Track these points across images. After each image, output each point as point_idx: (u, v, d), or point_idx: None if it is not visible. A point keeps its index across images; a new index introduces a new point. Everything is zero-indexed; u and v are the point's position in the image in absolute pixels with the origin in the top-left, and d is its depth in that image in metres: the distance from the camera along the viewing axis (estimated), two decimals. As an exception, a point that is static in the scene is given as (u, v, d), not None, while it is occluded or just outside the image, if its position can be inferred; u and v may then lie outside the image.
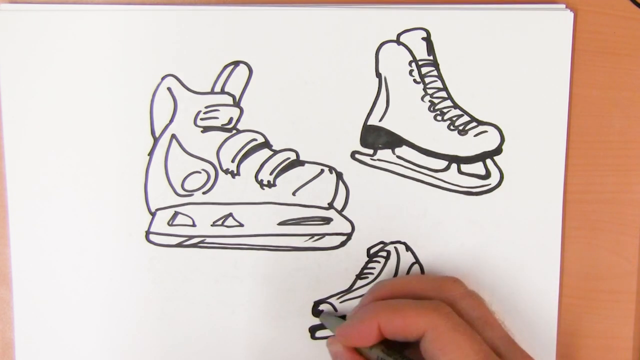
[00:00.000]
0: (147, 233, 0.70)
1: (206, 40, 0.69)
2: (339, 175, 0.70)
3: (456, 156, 0.70)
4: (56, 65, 0.69)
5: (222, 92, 0.69)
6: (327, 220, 0.70)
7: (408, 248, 0.70)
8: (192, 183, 0.70)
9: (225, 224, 0.70)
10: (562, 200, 0.70)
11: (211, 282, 0.71)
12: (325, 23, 0.69)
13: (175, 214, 0.70)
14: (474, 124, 0.69)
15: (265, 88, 0.69)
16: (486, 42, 0.69)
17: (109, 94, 0.69)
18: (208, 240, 0.70)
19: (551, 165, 0.70)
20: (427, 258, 0.71)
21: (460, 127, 0.69)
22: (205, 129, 0.69)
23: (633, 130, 0.71)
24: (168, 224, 0.70)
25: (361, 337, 0.62)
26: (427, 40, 0.69)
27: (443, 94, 0.69)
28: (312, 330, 0.71)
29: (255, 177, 0.69)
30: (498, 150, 0.70)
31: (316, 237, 0.70)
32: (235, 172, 0.69)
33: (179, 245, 0.70)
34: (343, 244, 0.70)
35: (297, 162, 0.69)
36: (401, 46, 0.69)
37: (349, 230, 0.70)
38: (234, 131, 0.69)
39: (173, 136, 0.69)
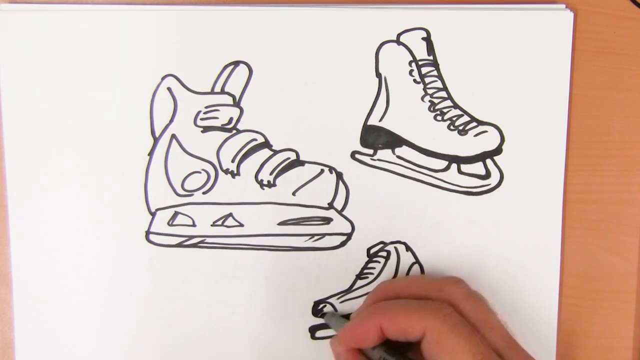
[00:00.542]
0: (147, 233, 0.70)
1: (206, 40, 0.69)
2: (339, 175, 0.70)
3: (456, 156, 0.70)
4: (56, 65, 0.69)
5: (222, 92, 0.69)
6: (327, 220, 0.70)
7: (408, 248, 0.70)
8: (192, 183, 0.70)
9: (225, 224, 0.70)
10: (562, 200, 0.70)
11: (211, 282, 0.71)
12: (325, 23, 0.69)
13: (175, 214, 0.70)
14: (474, 124, 0.69)
15: (265, 88, 0.69)
16: (486, 42, 0.69)
17: (109, 94, 0.69)
18: (208, 240, 0.70)
19: (551, 165, 0.70)
20: (427, 258, 0.71)
21: (460, 127, 0.69)
22: (205, 129, 0.69)
23: (633, 130, 0.71)
24: (168, 224, 0.70)
25: (363, 338, 0.62)
26: (427, 40, 0.69)
27: (443, 94, 0.69)
28: (312, 330, 0.71)
29: (255, 177, 0.70)
30: (498, 150, 0.70)
31: (316, 237, 0.70)
32: (235, 172, 0.69)
33: (179, 245, 0.70)
34: (343, 244, 0.70)
35: (297, 162, 0.69)
36: (401, 46, 0.69)
37: (349, 230, 0.70)
38: (234, 131, 0.69)
39: (173, 136, 0.69)
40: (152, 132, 0.69)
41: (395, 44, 0.69)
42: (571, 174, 0.71)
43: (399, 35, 0.69)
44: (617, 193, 0.72)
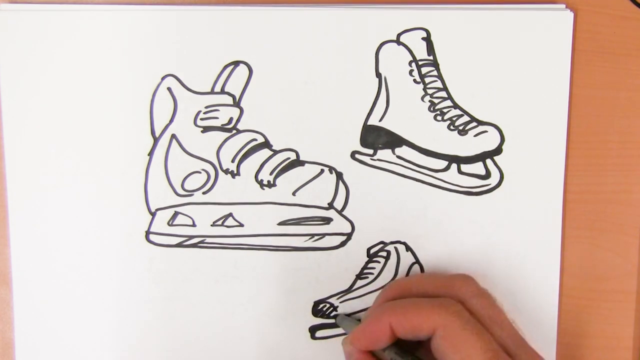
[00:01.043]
0: (147, 233, 0.70)
1: (206, 40, 0.69)
2: (339, 175, 0.70)
3: (456, 156, 0.70)
4: (56, 65, 0.69)
5: (222, 92, 0.69)
6: (327, 220, 0.70)
7: (408, 248, 0.70)
8: (192, 183, 0.70)
9: (225, 224, 0.70)
10: (562, 200, 0.70)
11: (211, 282, 0.71)
12: (325, 23, 0.69)
13: (175, 214, 0.70)
14: (474, 124, 0.69)
15: (265, 88, 0.69)
16: (486, 42, 0.69)
17: (109, 94, 0.69)
18: (208, 240, 0.70)
19: (551, 165, 0.70)
20: (427, 258, 0.71)
21: (460, 127, 0.69)
22: (205, 129, 0.69)
23: (633, 130, 0.71)
24: (168, 224, 0.70)
25: (375, 339, 0.62)
26: (427, 40, 0.69)
27: (443, 94, 0.69)
28: (312, 330, 0.71)
29: (255, 177, 0.70)
30: (498, 150, 0.70)
31: (316, 237, 0.70)
32: (235, 172, 0.69)
33: (179, 245, 0.70)
34: (343, 244, 0.70)
35: (297, 162, 0.69)
36: (401, 46, 0.69)
37: (349, 230, 0.70)
38: (234, 131, 0.69)
39: (173, 136, 0.69)
40: (152, 132, 0.69)
41: (395, 44, 0.69)
42: (571, 174, 0.71)
43: (399, 35, 0.69)
44: (617, 193, 0.72)
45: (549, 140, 0.70)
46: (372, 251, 0.70)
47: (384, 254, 0.70)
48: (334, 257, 0.70)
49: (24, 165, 0.69)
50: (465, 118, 0.69)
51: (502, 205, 0.70)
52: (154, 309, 0.71)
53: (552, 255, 0.71)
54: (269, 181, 0.69)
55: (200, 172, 0.69)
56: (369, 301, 0.71)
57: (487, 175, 0.70)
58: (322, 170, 0.69)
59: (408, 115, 0.69)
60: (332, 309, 0.71)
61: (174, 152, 0.69)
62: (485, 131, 0.69)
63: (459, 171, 0.70)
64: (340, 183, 0.70)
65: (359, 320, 0.70)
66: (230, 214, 0.70)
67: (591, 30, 0.70)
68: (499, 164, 0.70)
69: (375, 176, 0.70)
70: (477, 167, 0.70)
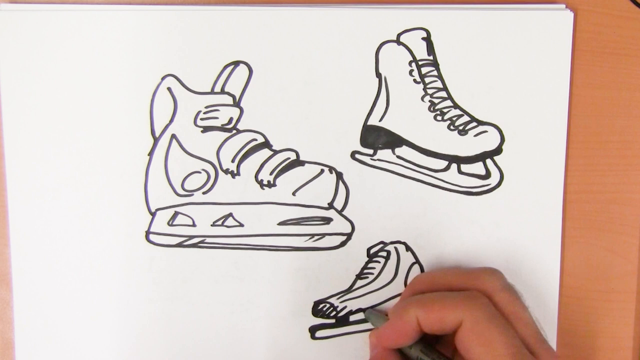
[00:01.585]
0: (147, 233, 0.70)
1: (206, 40, 0.69)
2: (339, 175, 0.70)
3: (456, 156, 0.70)
4: (56, 65, 0.69)
5: (222, 92, 0.69)
6: (327, 220, 0.70)
7: (408, 248, 0.70)
8: (192, 183, 0.70)
9: (226, 224, 0.70)
10: (562, 200, 0.70)
11: (211, 282, 0.71)
12: (325, 23, 0.69)
13: (175, 214, 0.70)
14: (474, 124, 0.69)
15: (265, 88, 0.69)
16: (486, 42, 0.69)
17: (109, 94, 0.69)
18: (208, 240, 0.70)
19: (551, 165, 0.70)
20: (427, 258, 0.71)
21: (460, 127, 0.69)
22: (205, 129, 0.69)
23: (633, 130, 0.71)
24: (168, 224, 0.70)
25: (401, 336, 0.62)
26: (427, 40, 0.69)
27: (443, 94, 0.69)
28: (312, 330, 0.71)
29: (255, 177, 0.70)
30: (498, 150, 0.70)
31: (316, 237, 0.70)
32: (235, 172, 0.69)
33: (179, 245, 0.70)
34: (343, 244, 0.70)
35: (297, 162, 0.69)
36: (401, 46, 0.69)
37: (349, 230, 0.70)
38: (234, 131, 0.69)
39: (173, 136, 0.69)
40: (152, 132, 0.69)
41: (395, 44, 0.69)
42: (571, 174, 0.71)
43: (399, 35, 0.69)
44: (617, 193, 0.72)
45: (549, 140, 0.70)
46: (372, 251, 0.70)
47: (384, 254, 0.70)
48: (334, 257, 0.70)
49: (24, 165, 0.69)
50: (465, 118, 0.69)
51: (502, 205, 0.70)
52: (154, 309, 0.71)
53: (552, 255, 0.71)
54: (269, 181, 0.69)
55: (200, 172, 0.69)
56: (369, 301, 0.71)
57: (487, 175, 0.70)
58: (322, 170, 0.69)
59: (408, 115, 0.69)
60: (332, 309, 0.71)
61: (174, 152, 0.69)
62: (485, 131, 0.69)
63: (459, 171, 0.70)
64: (340, 183, 0.70)
65: (387, 315, 0.69)
66: (230, 214, 0.70)
67: (591, 30, 0.70)
68: (499, 164, 0.70)
69: (375, 176, 0.70)
70: (477, 167, 0.70)
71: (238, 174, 0.69)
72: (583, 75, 0.70)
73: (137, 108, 0.69)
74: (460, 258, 0.71)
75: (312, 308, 0.71)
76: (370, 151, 0.70)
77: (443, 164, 0.70)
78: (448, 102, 0.69)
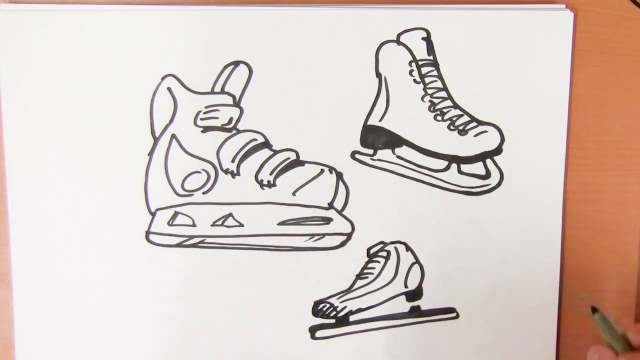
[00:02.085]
0: (147, 233, 0.70)
1: (206, 40, 0.69)
2: (339, 175, 0.70)
3: (456, 156, 0.70)
4: (56, 65, 0.69)
5: (222, 92, 0.69)
6: (327, 220, 0.70)
7: (408, 248, 0.71)
8: (192, 183, 0.70)
9: (225, 224, 0.70)
10: (562, 200, 0.70)
11: (211, 282, 0.71)
12: (325, 23, 0.69)
13: (175, 214, 0.70)
14: (474, 124, 0.69)
15: (265, 88, 0.69)
16: (486, 42, 0.69)
17: (109, 94, 0.69)
18: (208, 240, 0.70)
19: (551, 165, 0.70)
20: (427, 258, 0.71)
21: (460, 127, 0.69)
22: (205, 129, 0.69)
23: (633, 130, 0.71)
24: (168, 224, 0.70)
25: None
26: (427, 40, 0.69)
27: (443, 94, 0.69)
28: (312, 330, 0.71)
29: (255, 177, 0.70)
30: (498, 150, 0.70)
31: (316, 237, 0.70)
32: (235, 172, 0.69)
33: (179, 245, 0.70)
34: (343, 244, 0.70)
35: (297, 162, 0.69)
36: (401, 46, 0.69)
37: (349, 230, 0.70)
38: (234, 131, 0.69)
39: (173, 136, 0.69)
40: (152, 132, 0.69)
41: (395, 44, 0.69)
42: (571, 174, 0.71)
43: (399, 35, 0.69)
44: (617, 193, 0.72)
45: (549, 140, 0.70)
46: (372, 251, 0.71)
47: (384, 253, 0.70)
48: (334, 257, 0.70)
49: (24, 165, 0.69)
50: (465, 118, 0.69)
51: (502, 205, 0.70)
52: (154, 308, 0.71)
53: (552, 255, 0.71)
54: (269, 181, 0.69)
55: (200, 172, 0.69)
56: (369, 301, 0.71)
57: (487, 175, 0.70)
58: (322, 170, 0.69)
59: (408, 115, 0.69)
60: (332, 309, 0.71)
61: (174, 152, 0.69)
62: (485, 131, 0.69)
63: (459, 171, 0.70)
64: (340, 183, 0.70)
65: (620, 334, 0.66)
66: (230, 214, 0.70)
67: (591, 30, 0.70)
68: (499, 164, 0.70)
69: (375, 176, 0.70)
70: (477, 167, 0.70)
71: (238, 174, 0.69)
72: (583, 75, 0.70)
73: (137, 108, 0.69)
74: (460, 258, 0.71)
75: (312, 308, 0.71)
76: (370, 151, 0.70)
77: (443, 164, 0.70)
78: (448, 102, 0.69)
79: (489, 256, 0.71)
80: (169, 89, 0.69)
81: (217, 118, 0.69)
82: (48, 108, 0.69)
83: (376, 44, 0.69)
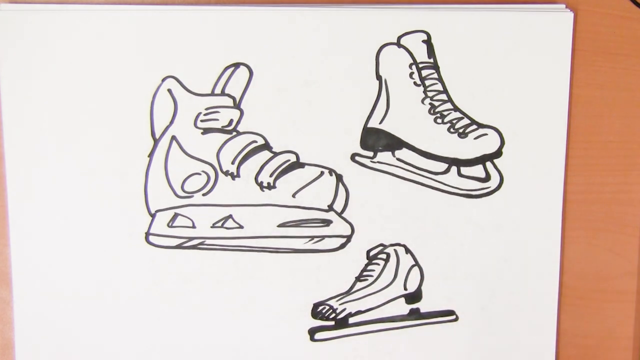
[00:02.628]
0: (147, 234, 0.70)
1: (206, 41, 0.68)
2: (339, 178, 0.70)
3: (456, 159, 0.70)
4: (56, 65, 0.69)
5: (223, 94, 0.69)
6: (327, 223, 0.70)
7: (407, 250, 0.71)
8: (192, 185, 0.70)
9: (225, 225, 0.70)
10: (562, 201, 0.71)
11: (211, 283, 0.71)
12: (325, 24, 0.68)
13: (175, 215, 0.70)
14: (474, 126, 0.69)
15: (266, 90, 0.69)
16: (486, 43, 0.69)
17: (109, 95, 0.69)
18: (208, 241, 0.70)
19: (551, 166, 0.70)
20: (427, 260, 0.71)
21: (461, 130, 0.69)
22: (206, 131, 0.69)
23: (633, 130, 0.71)
24: (168, 225, 0.70)
25: None
26: (428, 42, 0.69)
27: (443, 96, 0.69)
28: (312, 332, 0.71)
29: (255, 179, 0.69)
30: (498, 153, 0.70)
31: (316, 239, 0.70)
32: (235, 173, 0.69)
33: (179, 246, 0.70)
34: (343, 246, 0.70)
35: (297, 164, 0.69)
36: (401, 49, 0.69)
37: (348, 232, 0.70)
38: (234, 133, 0.69)
39: (173, 138, 0.69)
40: (153, 134, 0.69)
41: (395, 47, 0.69)
42: (571, 174, 0.71)
43: (399, 37, 0.69)
44: (617, 193, 0.72)
45: (549, 142, 0.70)
46: (371, 253, 0.71)
47: (384, 256, 0.70)
48: (334, 259, 0.70)
49: (24, 165, 0.69)
50: (466, 121, 0.69)
51: (502, 208, 0.70)
52: (154, 310, 0.71)
53: (552, 255, 0.71)
54: (269, 183, 0.69)
55: (200, 174, 0.69)
56: (368, 303, 0.71)
57: (487, 178, 0.70)
58: (322, 173, 0.69)
59: (408, 118, 0.69)
60: (331, 311, 0.71)
61: (174, 153, 0.69)
62: (485, 134, 0.69)
63: (459, 174, 0.70)
64: (340, 185, 0.70)
65: None
66: (230, 216, 0.70)
67: (591, 30, 0.70)
68: (498, 166, 0.70)
69: (375, 178, 0.70)
70: (477, 170, 0.70)
71: (238, 175, 0.69)
72: (583, 75, 0.70)
73: (138, 109, 0.69)
74: (460, 260, 0.71)
75: (312, 310, 0.71)
76: (370, 153, 0.70)
77: (443, 166, 0.70)
78: (448, 105, 0.69)
79: (488, 258, 0.71)
80: (169, 90, 0.69)
81: (217, 120, 0.69)
82: (48, 108, 0.69)
83: (376, 46, 0.69)
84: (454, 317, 0.72)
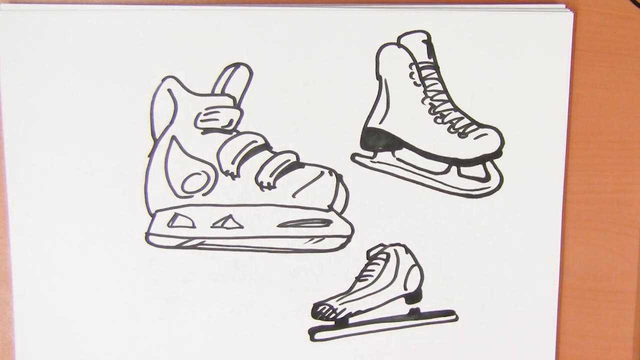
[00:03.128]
0: (147, 234, 0.70)
1: (207, 41, 0.68)
2: (339, 178, 0.70)
3: (456, 159, 0.70)
4: (56, 65, 0.69)
5: (223, 93, 0.69)
6: (327, 222, 0.70)
7: (407, 250, 0.71)
8: (192, 184, 0.70)
9: (225, 225, 0.70)
10: (562, 201, 0.71)
11: (211, 283, 0.71)
12: (325, 24, 0.68)
13: (175, 215, 0.70)
14: (474, 126, 0.69)
15: (266, 90, 0.69)
16: (486, 43, 0.69)
17: (109, 95, 0.69)
18: (208, 241, 0.70)
19: (551, 166, 0.70)
20: (427, 260, 0.71)
21: (461, 130, 0.69)
22: (206, 131, 0.69)
23: (633, 130, 0.71)
24: (168, 225, 0.70)
25: None
26: (428, 42, 0.69)
27: (443, 96, 0.69)
28: (312, 332, 0.71)
29: (255, 178, 0.69)
30: (498, 153, 0.70)
31: (316, 239, 0.70)
32: (235, 173, 0.69)
33: (179, 246, 0.70)
34: (342, 246, 0.70)
35: (297, 164, 0.69)
36: (401, 49, 0.69)
37: (348, 232, 0.70)
38: (234, 133, 0.69)
39: (173, 138, 0.69)
40: (153, 134, 0.69)
41: (395, 47, 0.69)
42: (571, 174, 0.71)
43: (399, 37, 0.69)
44: (617, 193, 0.72)
45: (549, 142, 0.70)
46: (371, 253, 0.71)
47: (384, 256, 0.70)
48: (334, 259, 0.70)
49: (24, 165, 0.69)
50: (466, 121, 0.69)
51: (502, 208, 0.70)
52: (154, 309, 0.71)
53: (552, 255, 0.71)
54: (269, 183, 0.69)
55: (200, 174, 0.69)
56: (368, 303, 0.71)
57: (487, 178, 0.70)
58: (322, 173, 0.69)
59: (408, 118, 0.69)
60: (331, 311, 0.71)
61: (174, 153, 0.69)
62: (485, 134, 0.69)
63: (459, 174, 0.70)
64: (340, 185, 0.70)
65: None
66: (230, 216, 0.70)
67: (591, 30, 0.70)
68: (498, 166, 0.70)
69: (375, 178, 0.70)
70: (477, 170, 0.70)
71: (238, 175, 0.69)
72: (583, 75, 0.70)
73: (138, 109, 0.69)
74: (460, 260, 0.71)
75: (312, 310, 0.71)
76: (370, 153, 0.70)
77: (443, 166, 0.70)
78: (448, 105, 0.69)
79: (488, 259, 0.71)
80: (169, 90, 0.69)
81: (217, 120, 0.69)
82: (48, 108, 0.69)
83: (376, 46, 0.69)
84: (454, 317, 0.72)
